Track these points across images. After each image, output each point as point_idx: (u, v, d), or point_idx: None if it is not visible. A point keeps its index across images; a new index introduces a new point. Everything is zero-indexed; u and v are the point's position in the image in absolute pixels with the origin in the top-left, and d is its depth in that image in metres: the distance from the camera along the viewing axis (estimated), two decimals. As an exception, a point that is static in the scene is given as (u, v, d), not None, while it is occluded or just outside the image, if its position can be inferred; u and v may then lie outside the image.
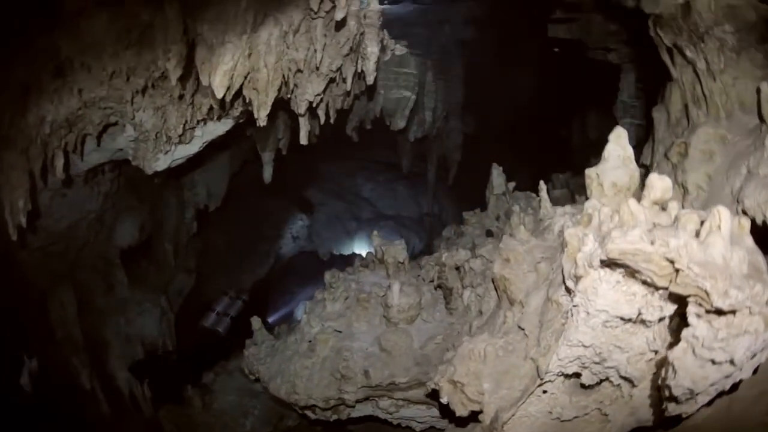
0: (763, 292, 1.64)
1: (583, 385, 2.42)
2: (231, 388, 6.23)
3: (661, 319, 2.05)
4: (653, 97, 4.25)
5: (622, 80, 6.37)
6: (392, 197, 12.86)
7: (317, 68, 4.82)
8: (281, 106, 5.29)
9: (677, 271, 1.72)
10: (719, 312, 1.67)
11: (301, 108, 5.18)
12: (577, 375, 2.38)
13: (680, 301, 1.87)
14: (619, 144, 2.62)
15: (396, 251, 4.69)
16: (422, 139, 8.77)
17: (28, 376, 4.56)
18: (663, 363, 1.86)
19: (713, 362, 1.71)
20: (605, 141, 2.66)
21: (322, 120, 5.77)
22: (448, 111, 8.63)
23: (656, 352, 2.16)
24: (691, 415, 2.03)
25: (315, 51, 4.58)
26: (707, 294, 1.65)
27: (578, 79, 7.93)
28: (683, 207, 2.46)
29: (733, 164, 2.82)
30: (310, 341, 4.46)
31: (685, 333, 1.74)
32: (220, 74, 4.11)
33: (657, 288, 1.89)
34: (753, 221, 2.14)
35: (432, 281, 4.53)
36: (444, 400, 2.97)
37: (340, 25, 4.57)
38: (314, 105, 5.31)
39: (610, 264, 1.94)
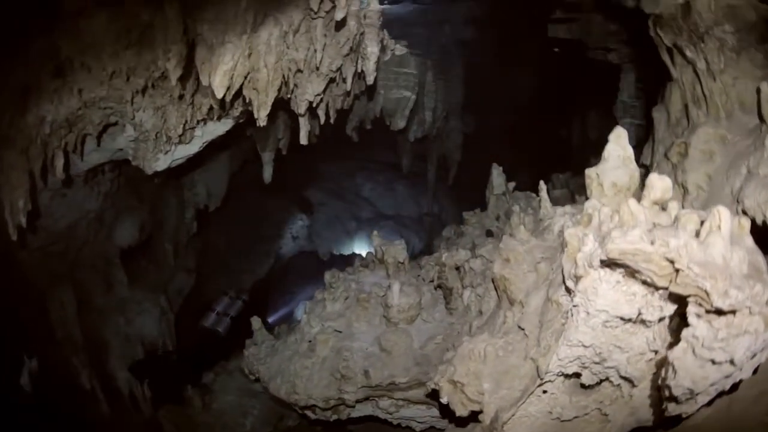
0: (763, 292, 1.64)
1: (583, 385, 2.42)
2: (231, 388, 6.22)
3: (661, 319, 2.05)
4: (653, 97, 4.25)
5: (622, 80, 6.37)
6: (392, 197, 12.85)
7: (317, 68, 4.83)
8: (281, 106, 5.29)
9: (677, 271, 1.72)
10: (719, 312, 1.67)
11: (301, 108, 5.18)
12: (577, 375, 2.38)
13: (680, 301, 1.87)
14: (619, 144, 2.62)
15: (396, 251, 4.70)
16: (422, 139, 8.77)
17: (28, 376, 4.55)
18: (663, 363, 1.86)
19: (713, 362, 1.71)
20: (605, 141, 2.66)
21: (322, 120, 5.77)
22: (448, 111, 8.62)
23: (656, 352, 2.16)
24: (691, 415, 2.03)
25: (315, 51, 4.58)
26: (707, 294, 1.65)
27: (578, 79, 7.94)
28: (683, 207, 2.46)
29: (733, 164, 2.82)
30: (310, 341, 4.46)
31: (685, 333, 1.74)
32: (220, 74, 4.11)
33: (657, 288, 1.89)
34: (753, 221, 2.15)
35: (432, 281, 4.53)
36: (444, 400, 2.97)
37: (340, 25, 4.57)
38: (314, 105, 5.31)
39: (610, 264, 1.94)
